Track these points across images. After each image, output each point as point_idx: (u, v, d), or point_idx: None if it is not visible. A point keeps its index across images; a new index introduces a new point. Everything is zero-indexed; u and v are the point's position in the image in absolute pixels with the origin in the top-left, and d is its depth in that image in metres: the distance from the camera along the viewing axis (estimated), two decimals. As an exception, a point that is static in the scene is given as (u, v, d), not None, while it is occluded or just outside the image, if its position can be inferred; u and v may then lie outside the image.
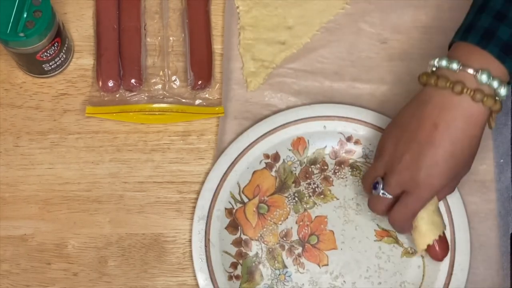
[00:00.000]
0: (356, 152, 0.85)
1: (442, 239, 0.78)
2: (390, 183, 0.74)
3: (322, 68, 0.87)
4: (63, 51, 0.83)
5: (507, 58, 0.70)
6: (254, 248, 0.82)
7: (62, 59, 0.84)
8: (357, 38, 0.88)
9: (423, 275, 0.82)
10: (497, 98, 0.71)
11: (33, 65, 0.83)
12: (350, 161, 0.85)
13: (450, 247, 0.80)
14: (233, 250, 0.82)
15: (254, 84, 0.86)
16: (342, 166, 0.84)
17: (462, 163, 0.73)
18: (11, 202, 0.83)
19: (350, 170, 0.84)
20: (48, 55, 0.81)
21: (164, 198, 0.83)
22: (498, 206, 0.83)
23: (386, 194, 0.75)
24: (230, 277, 0.81)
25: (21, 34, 0.76)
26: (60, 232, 0.82)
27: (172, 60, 0.86)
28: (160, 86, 0.86)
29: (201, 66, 0.85)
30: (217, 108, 0.85)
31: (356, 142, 0.84)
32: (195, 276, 0.81)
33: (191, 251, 0.81)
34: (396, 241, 0.82)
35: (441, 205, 0.82)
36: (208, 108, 0.85)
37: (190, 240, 0.82)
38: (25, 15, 0.76)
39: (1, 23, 0.76)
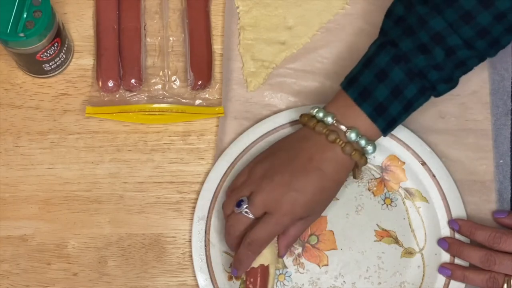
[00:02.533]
0: (356, 152, 0.85)
1: (263, 270, 0.78)
2: (256, 202, 0.75)
3: (322, 68, 0.87)
4: (63, 51, 0.83)
5: (379, 118, 0.74)
6: (254, 248, 0.82)
7: (62, 59, 0.84)
8: (357, 38, 0.88)
9: (423, 275, 0.82)
10: (364, 154, 0.75)
11: (33, 65, 0.83)
12: (350, 161, 0.85)
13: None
14: (233, 250, 0.82)
15: (254, 84, 0.86)
16: (342, 166, 0.84)
17: (323, 201, 0.77)
18: (11, 202, 0.83)
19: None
20: (48, 55, 0.81)
21: (164, 198, 0.83)
22: (498, 206, 0.83)
23: (249, 213, 0.75)
24: (230, 277, 0.81)
25: (21, 34, 0.76)
26: (60, 232, 0.82)
27: (172, 60, 0.86)
28: (160, 86, 0.86)
29: (201, 66, 0.85)
30: (217, 108, 0.85)
31: (356, 142, 0.84)
32: (195, 276, 0.81)
33: (191, 251, 0.81)
34: (396, 241, 0.82)
35: (441, 205, 0.82)
36: (208, 108, 0.85)
37: (190, 240, 0.82)
38: (25, 15, 0.76)
39: (1, 23, 0.76)
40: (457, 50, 0.72)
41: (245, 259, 0.76)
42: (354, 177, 0.82)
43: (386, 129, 0.75)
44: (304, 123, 0.77)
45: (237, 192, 0.77)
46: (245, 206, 0.75)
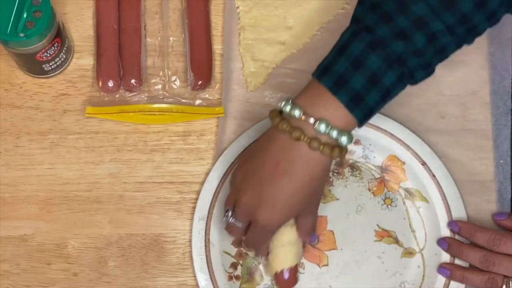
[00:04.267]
0: (356, 152, 0.85)
1: (292, 271, 0.79)
2: (237, 214, 0.75)
3: (322, 68, 0.87)
4: (63, 51, 0.83)
5: (355, 108, 0.69)
6: (254, 248, 0.82)
7: (62, 59, 0.84)
8: (357, 38, 0.88)
9: (423, 275, 0.82)
10: (338, 145, 0.70)
11: (33, 65, 0.83)
12: (350, 161, 0.85)
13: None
14: (233, 250, 0.82)
15: (254, 84, 0.86)
16: (342, 166, 0.84)
17: (304, 200, 0.73)
18: (11, 202, 0.83)
19: (350, 170, 0.84)
20: (48, 55, 0.81)
21: (164, 199, 0.83)
22: (498, 206, 0.83)
23: (236, 222, 0.75)
24: (230, 277, 0.81)
25: (21, 34, 0.76)
26: (60, 232, 0.82)
27: (172, 60, 0.86)
28: (160, 86, 0.86)
29: (201, 66, 0.85)
30: (217, 108, 0.85)
31: (356, 142, 0.84)
32: (195, 276, 0.81)
33: (191, 251, 0.81)
34: (396, 241, 0.82)
35: (441, 205, 0.82)
36: (208, 108, 0.85)
37: (190, 241, 0.82)
38: (25, 15, 0.76)
39: (1, 23, 0.76)
40: (439, 36, 0.69)
41: (258, 251, 0.79)
42: (339, 165, 0.81)
43: (363, 119, 0.71)
44: (272, 120, 0.73)
45: (227, 199, 0.77)
46: (230, 216, 0.75)
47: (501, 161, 0.85)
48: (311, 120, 0.69)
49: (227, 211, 0.76)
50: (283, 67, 0.87)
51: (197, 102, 0.85)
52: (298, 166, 0.71)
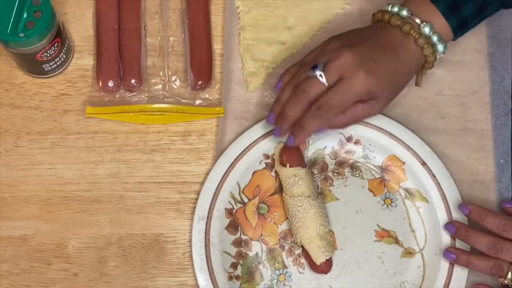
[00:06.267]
0: (356, 152, 0.85)
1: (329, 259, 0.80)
2: (331, 67, 0.75)
3: (322, 68, 0.87)
4: (63, 51, 0.83)
5: (451, 16, 0.77)
6: (254, 248, 0.82)
7: (62, 59, 0.84)
8: (357, 38, 0.88)
9: (423, 275, 0.82)
10: (435, 51, 0.78)
11: (33, 65, 0.83)
12: (350, 161, 0.85)
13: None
14: (233, 250, 0.82)
15: (254, 84, 0.86)
16: (342, 166, 0.84)
17: (392, 85, 0.77)
18: (11, 202, 0.83)
19: (350, 170, 0.84)
20: (48, 55, 0.81)
21: (164, 198, 0.83)
22: (498, 206, 0.83)
23: (323, 77, 0.75)
24: (230, 277, 0.81)
25: (21, 35, 0.76)
26: (60, 232, 0.82)
27: (172, 60, 0.86)
28: (160, 86, 0.86)
29: (201, 66, 0.85)
30: (217, 109, 0.85)
31: (356, 142, 0.84)
32: (195, 276, 0.81)
33: (191, 251, 0.81)
34: (396, 241, 0.82)
35: (441, 205, 0.82)
36: (208, 108, 0.85)
37: (190, 241, 0.82)
38: (25, 15, 0.76)
39: (1, 23, 0.76)
40: None
41: (308, 124, 0.77)
42: (416, 84, 0.83)
43: (457, 29, 0.78)
44: (379, 19, 0.79)
45: (311, 61, 0.77)
46: (320, 70, 0.75)
47: (501, 161, 0.85)
48: (418, 20, 0.77)
49: (316, 66, 0.76)
50: (283, 67, 0.87)
51: (197, 102, 0.85)
52: (404, 53, 0.77)
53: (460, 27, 0.78)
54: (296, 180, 0.80)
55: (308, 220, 0.79)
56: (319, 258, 0.79)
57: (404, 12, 0.77)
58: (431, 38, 0.77)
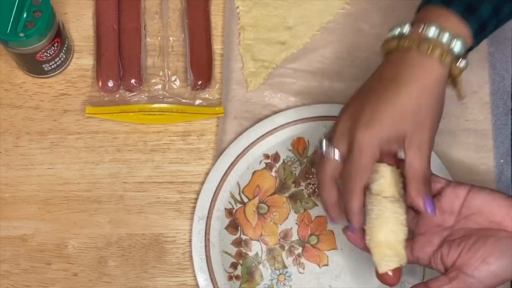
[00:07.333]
0: (356, 152, 0.84)
1: (397, 271, 0.72)
2: (334, 138, 0.69)
3: (322, 68, 0.87)
4: (63, 51, 0.83)
5: (470, 17, 0.67)
6: (254, 248, 0.82)
7: (62, 59, 0.84)
8: (357, 38, 0.88)
9: (423, 275, 0.82)
10: (451, 52, 0.68)
11: (33, 65, 0.83)
12: (350, 161, 0.84)
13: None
14: (233, 250, 0.82)
15: (254, 84, 0.86)
16: (342, 166, 0.84)
17: (409, 114, 0.67)
18: (11, 202, 0.83)
19: (350, 170, 0.84)
20: (48, 55, 0.81)
21: (164, 198, 0.83)
22: (498, 206, 0.83)
23: (330, 150, 0.69)
24: (230, 277, 0.81)
25: (21, 34, 0.76)
26: (60, 232, 0.82)
27: (172, 60, 0.86)
28: (160, 86, 0.86)
29: (201, 66, 0.85)
30: (217, 108, 0.85)
31: (356, 142, 0.84)
32: (195, 276, 0.81)
33: (191, 251, 0.81)
34: (396, 241, 0.82)
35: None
36: (208, 108, 0.85)
37: (190, 240, 0.82)
38: (25, 15, 0.76)
39: (1, 23, 0.76)
40: None
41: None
42: (460, 98, 0.73)
43: (477, 33, 0.68)
44: (394, 49, 0.69)
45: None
46: (325, 144, 0.70)
47: (501, 161, 0.85)
48: (421, 26, 0.67)
49: (320, 141, 0.70)
50: (283, 67, 0.87)
51: (197, 102, 0.85)
52: (406, 74, 0.66)
53: (479, 31, 0.69)
54: (377, 177, 0.72)
55: (379, 224, 0.71)
56: (380, 266, 0.72)
57: (406, 28, 0.69)
58: (440, 39, 0.67)
